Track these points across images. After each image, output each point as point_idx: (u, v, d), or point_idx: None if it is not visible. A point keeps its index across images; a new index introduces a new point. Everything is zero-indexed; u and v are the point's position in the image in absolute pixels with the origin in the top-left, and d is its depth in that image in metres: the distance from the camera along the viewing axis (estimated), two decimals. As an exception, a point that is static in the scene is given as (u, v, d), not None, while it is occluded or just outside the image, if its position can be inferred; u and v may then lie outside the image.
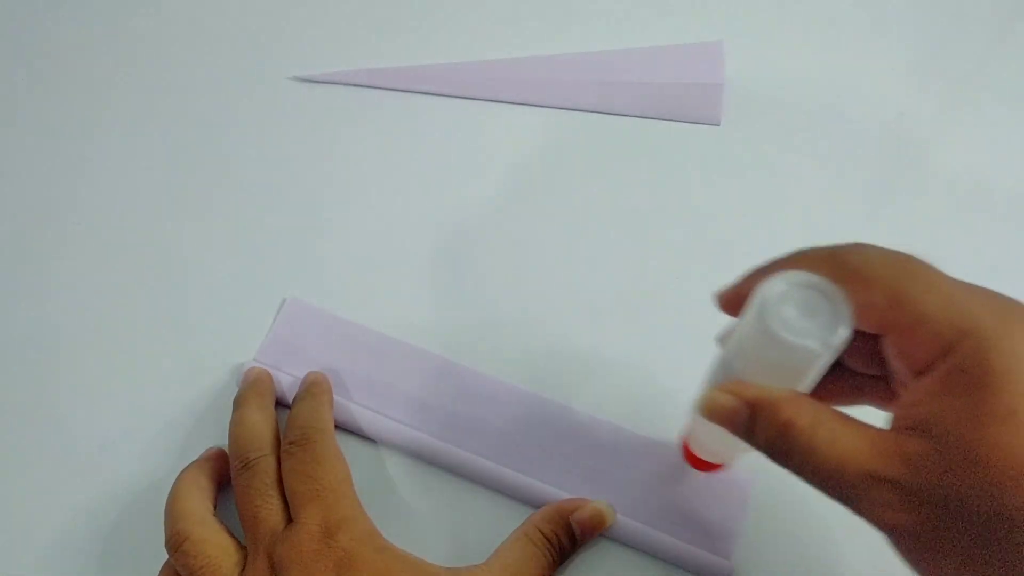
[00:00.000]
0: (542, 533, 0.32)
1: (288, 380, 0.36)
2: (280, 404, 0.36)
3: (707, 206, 0.41)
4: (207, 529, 0.30)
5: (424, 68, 0.45)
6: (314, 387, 0.35)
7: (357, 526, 0.30)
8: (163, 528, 0.31)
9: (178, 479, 0.32)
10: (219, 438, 0.35)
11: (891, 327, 0.22)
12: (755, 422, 0.23)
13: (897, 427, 0.21)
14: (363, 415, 0.36)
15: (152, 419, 0.37)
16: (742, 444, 0.24)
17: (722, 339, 0.27)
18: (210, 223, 0.41)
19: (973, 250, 0.40)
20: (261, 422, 0.33)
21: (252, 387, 0.35)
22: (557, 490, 0.34)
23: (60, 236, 0.41)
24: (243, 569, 0.30)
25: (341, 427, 0.36)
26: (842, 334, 0.21)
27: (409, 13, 0.46)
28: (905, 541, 0.21)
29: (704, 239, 0.40)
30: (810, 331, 0.22)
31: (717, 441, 0.30)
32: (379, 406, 0.36)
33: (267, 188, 0.42)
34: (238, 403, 0.35)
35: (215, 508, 0.32)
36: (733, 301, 0.25)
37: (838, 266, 0.23)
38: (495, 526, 0.34)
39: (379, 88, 0.44)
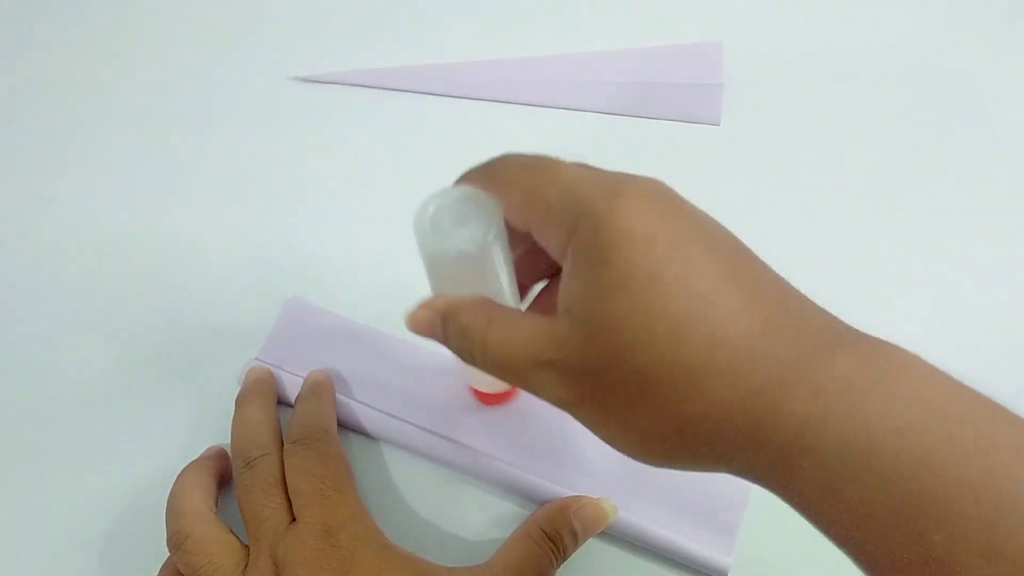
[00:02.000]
0: (544, 532, 0.32)
1: (290, 379, 0.36)
2: (282, 403, 0.36)
3: (707, 206, 0.41)
4: (209, 527, 0.30)
5: (424, 68, 0.45)
6: (316, 386, 0.35)
7: (360, 525, 0.30)
8: (164, 526, 0.31)
9: (179, 477, 0.32)
10: (221, 437, 0.35)
11: (530, 222, 0.24)
12: (446, 329, 0.25)
13: (553, 313, 0.23)
14: (365, 413, 0.36)
15: (153, 418, 0.37)
16: None
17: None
18: (210, 222, 0.41)
19: (972, 251, 0.40)
20: (263, 421, 0.33)
21: (254, 386, 0.35)
22: (560, 488, 0.34)
23: (60, 235, 0.41)
24: (245, 568, 0.29)
25: (344, 425, 0.36)
26: (490, 234, 0.24)
27: (409, 13, 0.46)
28: (575, 413, 0.23)
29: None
30: (464, 236, 0.24)
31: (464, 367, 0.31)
32: (381, 404, 0.36)
33: (267, 188, 0.42)
34: (240, 402, 0.35)
35: (217, 506, 0.32)
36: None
37: (486, 176, 0.25)
38: (497, 524, 0.34)
39: (379, 88, 0.44)
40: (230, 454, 0.33)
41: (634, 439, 0.22)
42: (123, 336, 0.39)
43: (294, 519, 0.30)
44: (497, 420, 0.35)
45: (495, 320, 0.24)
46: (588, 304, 0.21)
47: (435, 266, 0.26)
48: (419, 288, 0.39)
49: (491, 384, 0.33)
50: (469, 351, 0.24)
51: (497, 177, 0.25)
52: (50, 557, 0.34)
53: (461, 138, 0.43)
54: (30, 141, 0.43)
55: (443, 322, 0.25)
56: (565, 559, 0.32)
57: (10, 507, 0.35)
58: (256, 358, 0.37)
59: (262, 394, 0.35)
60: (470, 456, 0.35)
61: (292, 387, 0.36)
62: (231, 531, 0.31)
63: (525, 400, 0.36)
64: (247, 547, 0.30)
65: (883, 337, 0.23)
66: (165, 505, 0.32)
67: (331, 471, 0.31)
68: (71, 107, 0.44)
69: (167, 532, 0.31)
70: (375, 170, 0.42)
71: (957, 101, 0.42)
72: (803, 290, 0.37)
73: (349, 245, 0.40)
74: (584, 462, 0.35)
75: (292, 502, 0.31)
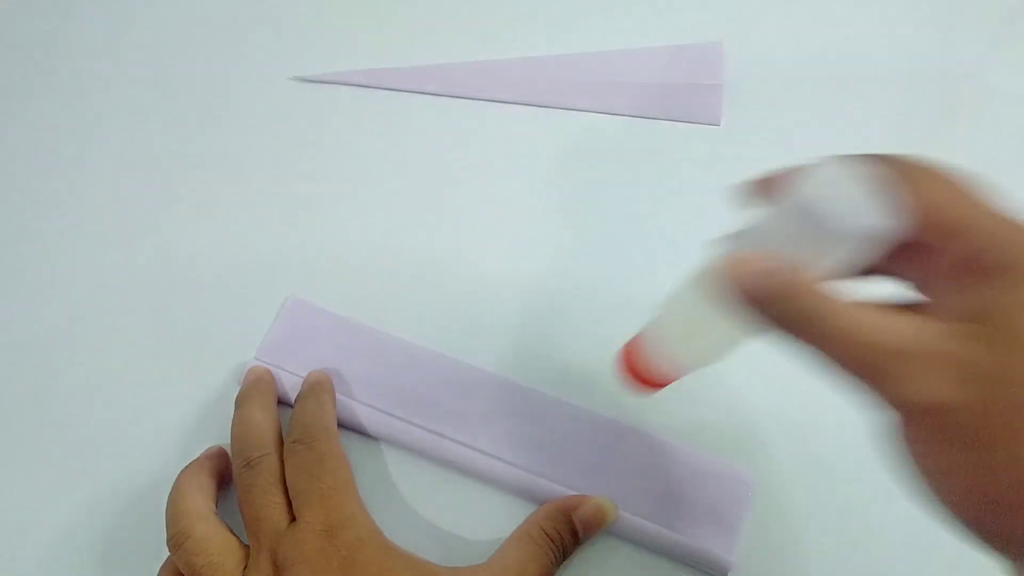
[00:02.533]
0: (544, 531, 0.32)
1: (290, 379, 0.36)
2: (282, 403, 0.36)
3: (707, 206, 0.41)
4: (209, 527, 0.30)
5: (424, 68, 0.45)
6: (316, 386, 0.35)
7: (360, 525, 0.30)
8: (163, 527, 0.31)
9: (179, 477, 0.32)
10: (220, 437, 0.35)
11: (925, 235, 0.22)
12: (777, 290, 0.22)
13: (940, 316, 0.21)
14: (365, 413, 0.35)
15: (152, 418, 0.37)
16: (726, 335, 0.24)
17: (732, 237, 0.25)
18: (210, 222, 0.41)
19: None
20: (263, 421, 0.33)
21: (254, 386, 0.35)
22: (561, 487, 0.34)
23: (61, 236, 0.41)
24: (245, 568, 0.29)
25: (343, 425, 0.35)
26: (888, 223, 0.21)
27: (409, 13, 0.46)
28: (939, 421, 0.20)
29: (704, 239, 0.40)
30: (858, 212, 0.21)
31: (695, 334, 0.27)
32: (381, 403, 0.36)
33: (267, 187, 0.42)
34: (240, 402, 0.35)
35: (217, 506, 0.32)
36: (767, 186, 0.24)
37: (890, 164, 0.22)
38: (498, 524, 0.34)
39: (379, 88, 0.44)
40: (230, 454, 0.33)
41: (981, 489, 0.20)
42: (122, 335, 0.38)
43: (294, 519, 0.30)
44: (496, 420, 0.35)
45: (854, 302, 0.21)
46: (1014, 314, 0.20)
47: (797, 230, 0.22)
48: (420, 286, 0.40)
49: (678, 358, 0.28)
50: (809, 320, 0.21)
51: (906, 170, 0.22)
52: (50, 557, 0.34)
53: (461, 138, 0.43)
54: (30, 140, 0.43)
55: (788, 283, 0.22)
56: (566, 558, 0.32)
57: (10, 507, 0.35)
58: (255, 358, 0.37)
59: (262, 394, 0.35)
60: (470, 455, 0.35)
61: (292, 387, 0.36)
62: (231, 531, 0.31)
63: (525, 398, 0.36)
64: (247, 547, 0.30)
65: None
66: (164, 505, 0.31)
67: (331, 470, 0.31)
68: (71, 105, 0.44)
69: (167, 532, 0.31)
70: (375, 169, 0.42)
71: (957, 101, 0.42)
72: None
73: (349, 244, 0.40)
74: (584, 461, 0.35)
75: (292, 502, 0.31)
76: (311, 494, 0.30)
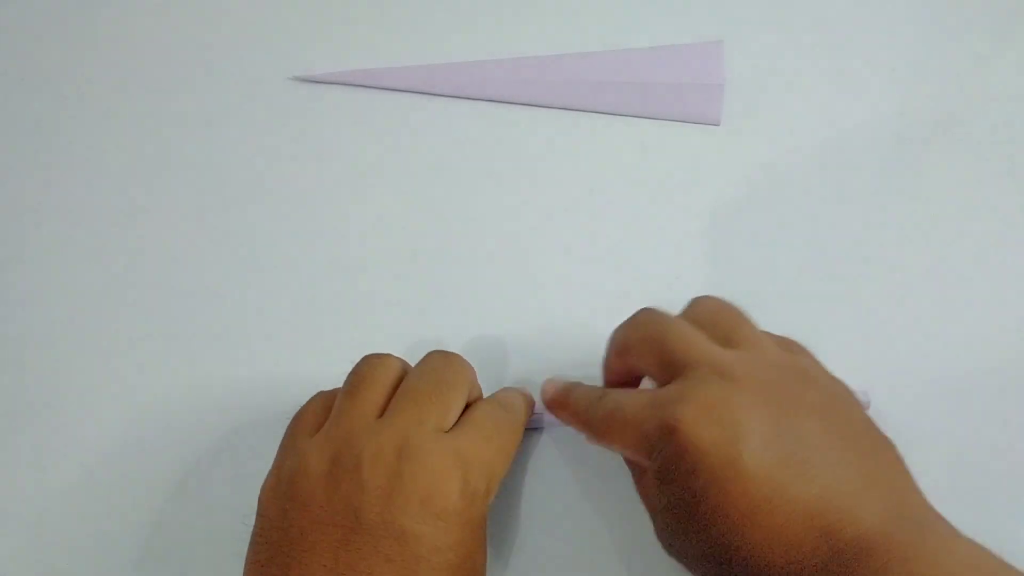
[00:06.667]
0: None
1: None
2: None
3: (707, 206, 0.41)
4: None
5: (424, 68, 0.45)
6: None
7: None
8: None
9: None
10: (222, 437, 0.35)
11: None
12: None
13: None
14: None
15: (153, 420, 0.37)
16: None
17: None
18: (209, 222, 0.41)
19: (972, 252, 0.40)
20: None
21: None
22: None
23: (60, 235, 0.41)
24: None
25: None
26: None
27: (409, 13, 0.46)
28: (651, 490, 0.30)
29: (704, 239, 0.40)
30: None
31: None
32: None
33: (266, 188, 0.42)
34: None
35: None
36: None
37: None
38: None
39: (379, 88, 0.44)
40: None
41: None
42: (121, 336, 0.39)
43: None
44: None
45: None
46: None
47: None
48: (419, 286, 0.40)
49: None
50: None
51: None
52: (52, 557, 0.34)
53: (461, 138, 0.43)
54: (29, 140, 0.43)
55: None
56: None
57: (11, 507, 0.35)
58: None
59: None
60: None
61: None
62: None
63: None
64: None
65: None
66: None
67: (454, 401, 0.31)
68: (71, 105, 0.44)
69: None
70: (375, 170, 0.42)
71: (957, 101, 0.42)
72: (803, 291, 0.37)
73: (348, 244, 0.41)
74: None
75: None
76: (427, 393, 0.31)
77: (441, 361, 0.32)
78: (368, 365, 0.31)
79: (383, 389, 0.30)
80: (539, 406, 0.35)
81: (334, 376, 0.32)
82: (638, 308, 0.31)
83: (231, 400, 0.37)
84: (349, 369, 0.31)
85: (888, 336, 0.38)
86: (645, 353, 0.30)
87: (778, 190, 0.41)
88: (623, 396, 0.30)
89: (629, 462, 0.33)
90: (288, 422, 0.32)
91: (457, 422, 0.31)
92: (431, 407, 0.29)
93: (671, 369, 0.28)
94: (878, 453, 0.27)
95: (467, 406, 0.32)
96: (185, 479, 0.36)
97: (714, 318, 0.30)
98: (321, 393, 0.32)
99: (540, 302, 0.39)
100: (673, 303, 0.38)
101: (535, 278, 0.40)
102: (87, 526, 0.35)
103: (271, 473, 0.30)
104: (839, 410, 0.28)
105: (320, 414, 0.31)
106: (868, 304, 0.39)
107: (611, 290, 0.39)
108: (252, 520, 0.29)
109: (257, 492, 0.30)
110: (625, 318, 0.31)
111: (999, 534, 0.26)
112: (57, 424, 0.37)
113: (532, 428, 0.36)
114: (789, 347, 0.31)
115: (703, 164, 0.42)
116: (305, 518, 0.27)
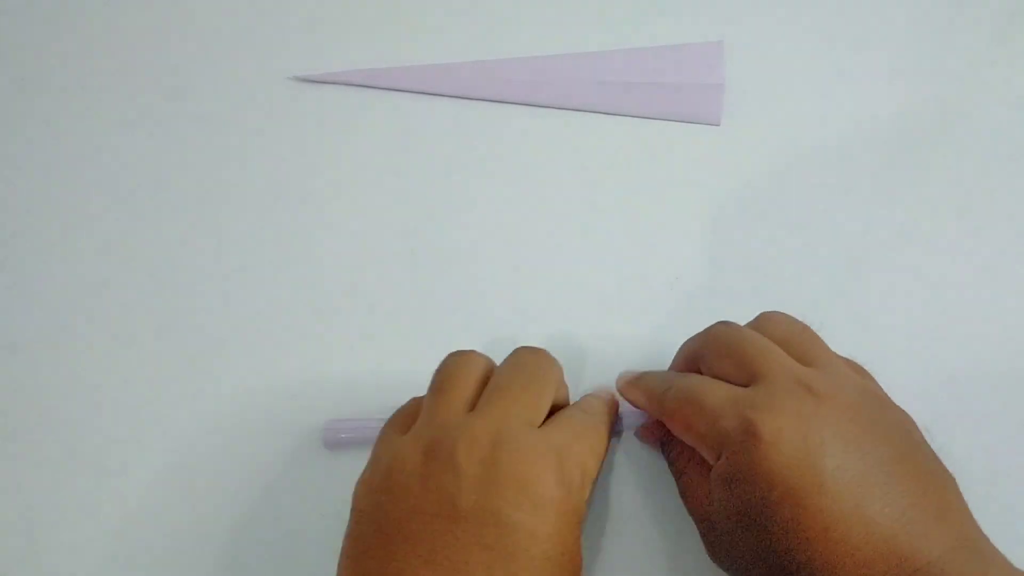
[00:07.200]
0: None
1: None
2: None
3: (707, 206, 0.41)
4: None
5: (424, 68, 0.45)
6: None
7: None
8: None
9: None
10: (222, 438, 0.35)
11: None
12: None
13: None
14: None
15: (154, 424, 0.37)
16: None
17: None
18: (209, 222, 0.41)
19: (972, 251, 0.40)
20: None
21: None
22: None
23: (61, 235, 0.41)
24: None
25: None
26: None
27: (409, 13, 0.46)
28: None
29: (704, 239, 0.40)
30: None
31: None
32: None
33: (266, 188, 0.42)
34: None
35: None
36: None
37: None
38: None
39: (379, 88, 0.44)
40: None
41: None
42: (122, 335, 0.39)
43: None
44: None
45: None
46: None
47: None
48: (419, 286, 0.40)
49: None
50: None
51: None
52: (52, 558, 0.34)
53: (461, 138, 0.43)
54: (29, 141, 0.43)
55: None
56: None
57: (13, 507, 0.35)
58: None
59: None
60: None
61: None
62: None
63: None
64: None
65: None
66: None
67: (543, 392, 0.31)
68: (70, 105, 0.44)
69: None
70: (374, 170, 0.42)
71: (957, 101, 0.42)
72: (803, 291, 0.37)
73: (348, 244, 0.41)
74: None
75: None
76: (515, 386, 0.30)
77: (531, 357, 0.32)
78: (454, 363, 0.31)
79: (472, 384, 0.30)
80: (622, 406, 0.35)
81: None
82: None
83: (231, 400, 0.37)
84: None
85: (888, 336, 0.38)
86: (722, 356, 0.30)
87: (778, 190, 0.41)
88: (701, 382, 0.30)
89: (680, 466, 0.32)
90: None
91: (544, 422, 0.30)
92: (523, 401, 0.29)
93: (749, 372, 0.28)
94: (946, 484, 0.27)
95: (552, 409, 0.31)
96: (186, 478, 0.36)
97: (788, 335, 0.30)
98: (414, 398, 0.32)
99: (540, 302, 0.39)
100: (673, 303, 0.38)
101: (535, 278, 0.40)
102: (88, 526, 0.35)
103: (365, 470, 0.30)
104: (911, 438, 0.28)
105: (412, 415, 0.31)
106: (868, 304, 0.39)
107: (611, 290, 0.39)
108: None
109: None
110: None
111: (999, 534, 0.26)
112: (57, 424, 0.37)
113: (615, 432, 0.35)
114: (858, 370, 0.31)
115: (703, 164, 0.42)
116: (401, 509, 0.27)
